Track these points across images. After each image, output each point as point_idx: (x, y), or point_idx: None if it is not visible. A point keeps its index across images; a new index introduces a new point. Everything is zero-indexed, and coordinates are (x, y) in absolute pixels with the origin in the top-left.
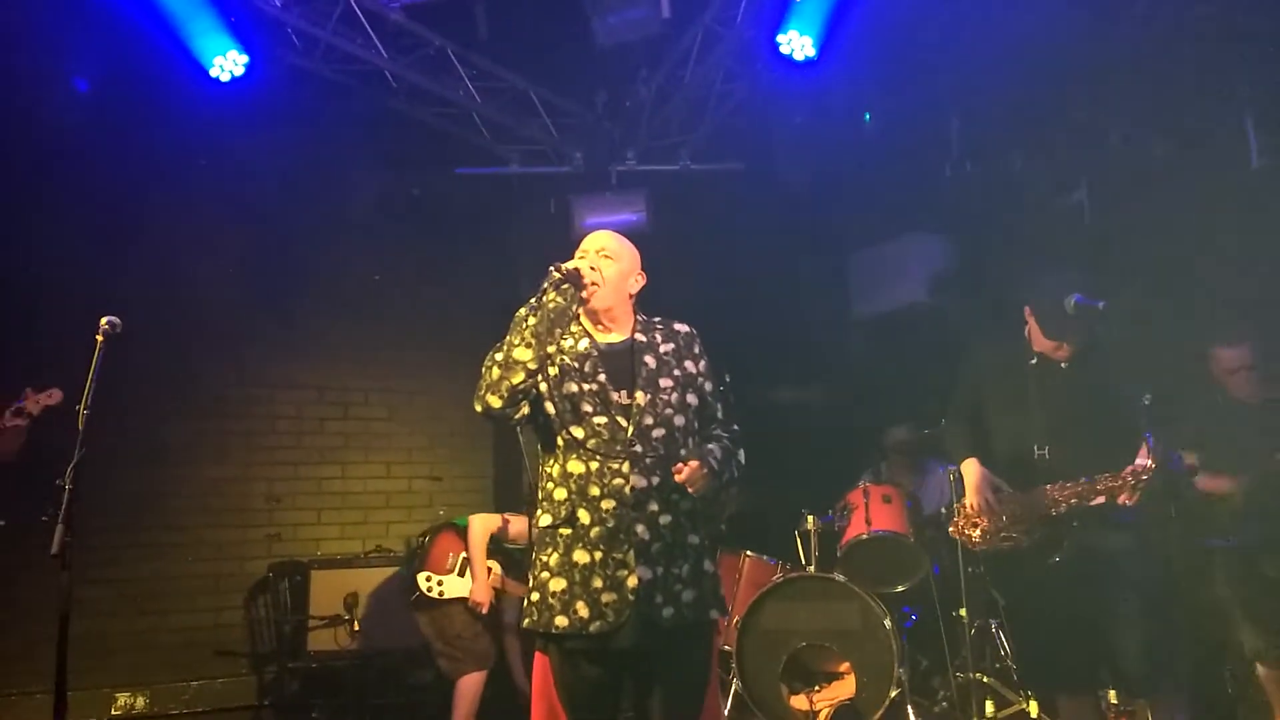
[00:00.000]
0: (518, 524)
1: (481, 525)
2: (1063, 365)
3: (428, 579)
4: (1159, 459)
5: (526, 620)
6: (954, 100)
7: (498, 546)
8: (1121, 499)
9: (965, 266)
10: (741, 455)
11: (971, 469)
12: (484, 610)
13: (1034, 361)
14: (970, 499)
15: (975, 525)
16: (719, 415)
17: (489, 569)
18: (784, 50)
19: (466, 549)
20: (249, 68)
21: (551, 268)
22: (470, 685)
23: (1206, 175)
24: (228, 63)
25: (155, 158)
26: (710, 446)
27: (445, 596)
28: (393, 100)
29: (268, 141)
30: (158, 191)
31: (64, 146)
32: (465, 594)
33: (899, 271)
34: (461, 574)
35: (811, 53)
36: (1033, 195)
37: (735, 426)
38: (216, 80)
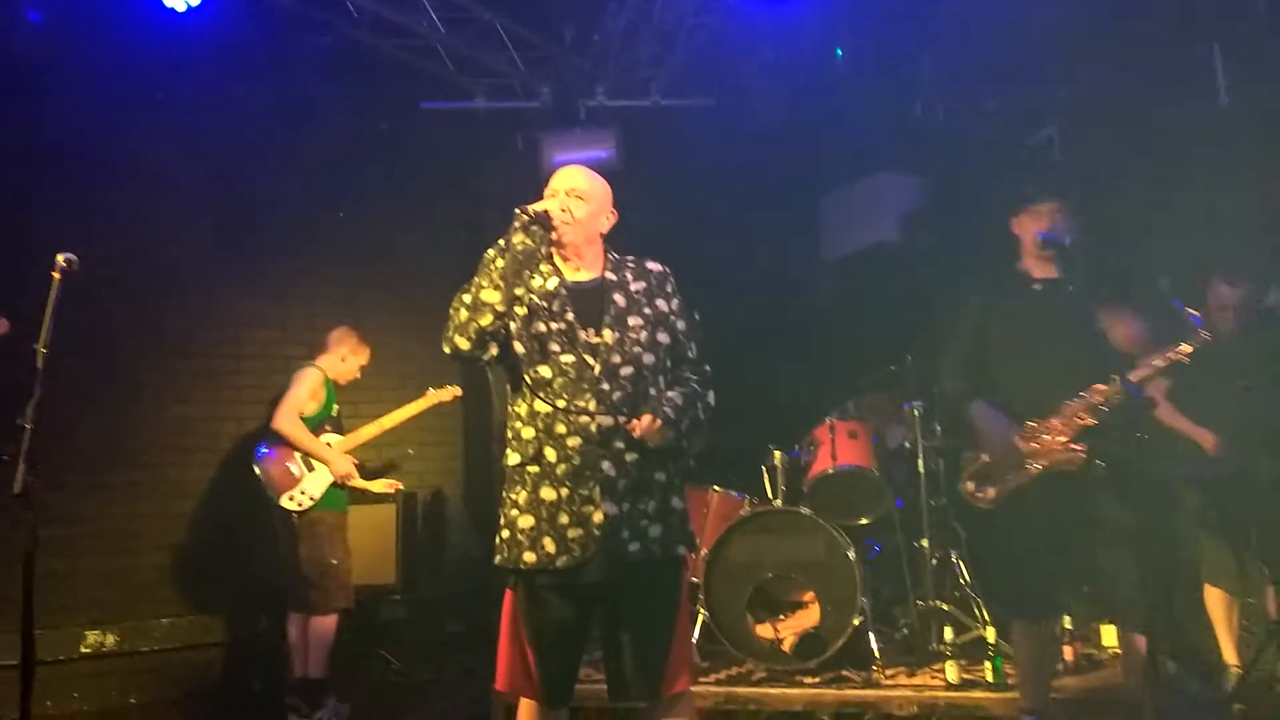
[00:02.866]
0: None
1: (287, 416)
2: (1070, 288)
3: (290, 498)
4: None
5: (497, 557)
6: (925, 37)
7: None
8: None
9: (935, 205)
10: (711, 396)
11: (985, 412)
12: (353, 477)
13: (1037, 287)
14: (993, 446)
15: (989, 478)
16: (690, 354)
17: (327, 444)
18: None
19: (294, 445)
20: None
21: (518, 210)
22: (332, 624)
23: (1175, 111)
24: None
25: (110, 91)
26: (671, 394)
27: (316, 499)
28: (355, 31)
29: (227, 75)
30: (113, 125)
31: (14, 80)
32: (330, 481)
33: (869, 211)
34: (311, 468)
35: None
36: (1003, 132)
37: (706, 367)
38: (172, 10)
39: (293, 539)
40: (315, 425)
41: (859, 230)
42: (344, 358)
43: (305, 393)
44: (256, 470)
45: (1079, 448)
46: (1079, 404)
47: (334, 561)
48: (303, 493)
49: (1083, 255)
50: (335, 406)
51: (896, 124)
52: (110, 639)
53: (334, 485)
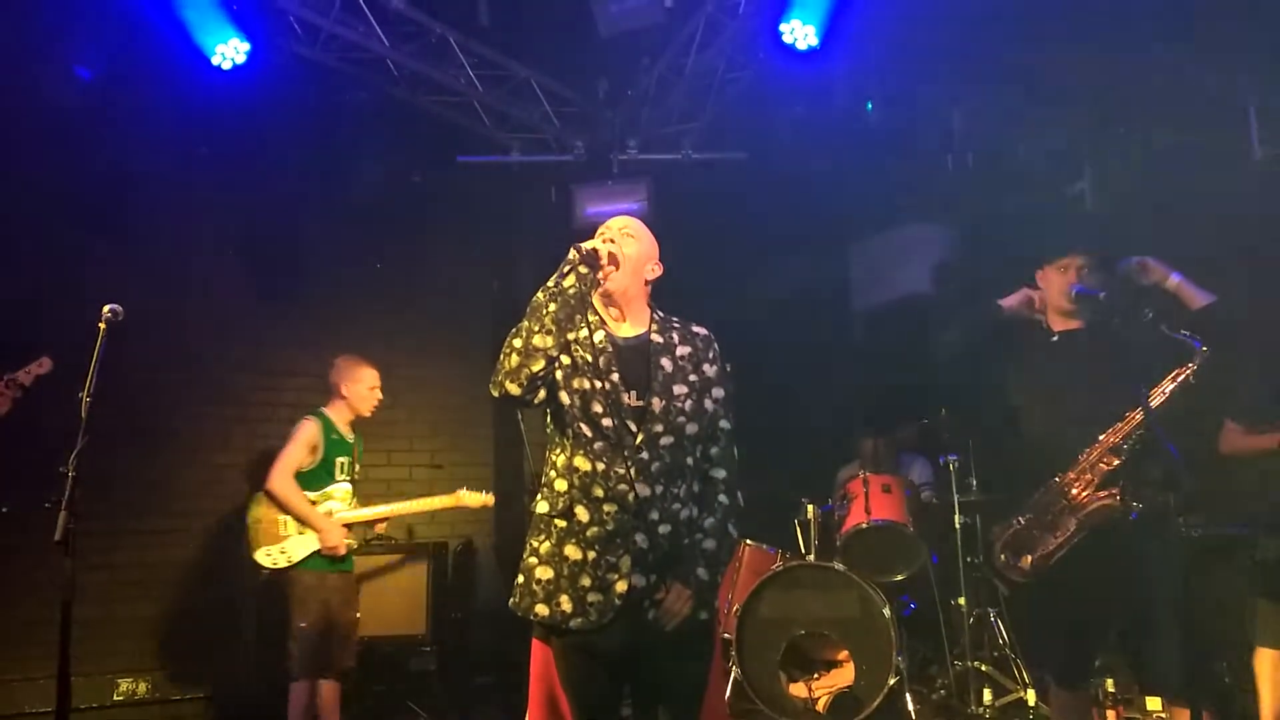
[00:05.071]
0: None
1: (280, 476)
2: (1086, 341)
3: (266, 554)
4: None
5: (511, 600)
6: (956, 90)
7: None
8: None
9: (966, 257)
10: (740, 497)
11: None
12: (341, 551)
13: (1056, 339)
14: None
15: (1022, 546)
16: (723, 425)
17: (327, 510)
18: (786, 39)
19: (285, 508)
20: (251, 56)
21: (573, 248)
22: (300, 693)
23: (1208, 165)
24: (230, 50)
25: (157, 146)
26: (706, 542)
27: (294, 561)
28: (394, 88)
29: (269, 130)
30: (160, 179)
31: (66, 134)
32: (315, 549)
33: (899, 262)
34: (302, 531)
35: (814, 42)
36: (1034, 185)
37: (734, 450)
38: (218, 69)
39: (258, 598)
40: (320, 477)
41: (889, 281)
42: (370, 389)
43: (301, 448)
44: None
45: (1109, 494)
46: (1099, 448)
47: (301, 624)
48: (282, 552)
49: (1113, 303)
50: (343, 458)
51: (927, 176)
52: (143, 687)
53: (319, 553)
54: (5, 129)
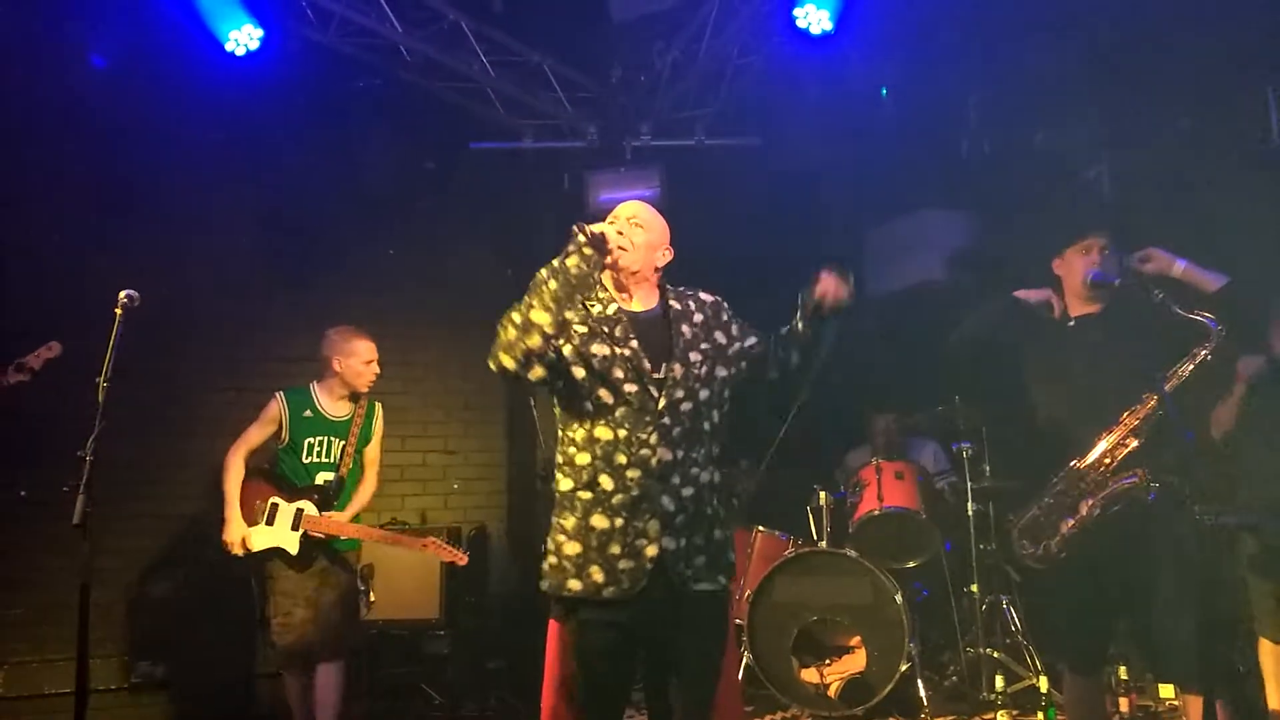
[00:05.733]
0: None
1: (233, 449)
2: (1103, 326)
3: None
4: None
5: (543, 583)
6: (971, 75)
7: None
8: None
9: (981, 242)
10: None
11: None
12: (234, 550)
13: (1072, 324)
14: None
15: (1040, 531)
16: (752, 344)
17: (298, 509)
18: (800, 24)
19: (276, 493)
20: (264, 42)
21: (575, 227)
22: (288, 683)
23: (1227, 150)
24: (243, 37)
25: (170, 132)
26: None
27: (253, 550)
28: (407, 74)
29: (282, 116)
30: (173, 166)
31: (80, 121)
32: (275, 544)
33: (914, 249)
34: (271, 522)
35: (828, 26)
36: (1051, 170)
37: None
38: (232, 55)
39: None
40: (289, 458)
41: (904, 267)
42: (365, 362)
43: (259, 426)
44: None
45: (1132, 474)
46: (1119, 430)
47: (267, 615)
48: (244, 539)
49: (1128, 289)
50: (317, 437)
51: (942, 161)
52: (160, 669)
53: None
54: (21, 116)
